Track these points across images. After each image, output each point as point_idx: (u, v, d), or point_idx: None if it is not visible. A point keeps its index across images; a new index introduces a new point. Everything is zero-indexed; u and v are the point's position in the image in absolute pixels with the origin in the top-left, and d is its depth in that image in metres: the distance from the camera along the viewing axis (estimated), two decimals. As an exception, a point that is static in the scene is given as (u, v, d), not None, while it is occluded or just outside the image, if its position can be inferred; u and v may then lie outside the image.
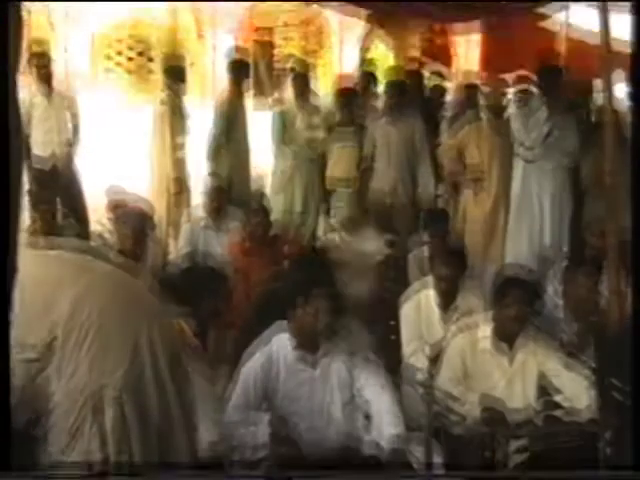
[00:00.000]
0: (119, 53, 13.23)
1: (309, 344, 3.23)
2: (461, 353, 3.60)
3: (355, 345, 3.23)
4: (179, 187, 6.39)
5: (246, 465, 3.08)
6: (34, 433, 1.96)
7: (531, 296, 3.59)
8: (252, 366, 3.24)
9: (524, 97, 6.19)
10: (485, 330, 3.61)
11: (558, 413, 3.47)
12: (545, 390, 3.58)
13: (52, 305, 2.00)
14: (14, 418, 1.72)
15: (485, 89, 6.74)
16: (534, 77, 5.72)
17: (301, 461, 3.00)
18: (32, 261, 1.94)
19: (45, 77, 6.53)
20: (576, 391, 3.42)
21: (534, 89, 5.77)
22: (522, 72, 6.15)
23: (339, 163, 6.47)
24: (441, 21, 11.12)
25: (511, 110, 6.22)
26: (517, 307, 3.51)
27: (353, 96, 6.82)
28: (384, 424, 3.14)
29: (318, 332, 3.17)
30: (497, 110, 6.21)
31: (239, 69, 6.55)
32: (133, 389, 2.01)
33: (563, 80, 5.65)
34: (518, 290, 3.55)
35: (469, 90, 7.68)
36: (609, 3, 4.02)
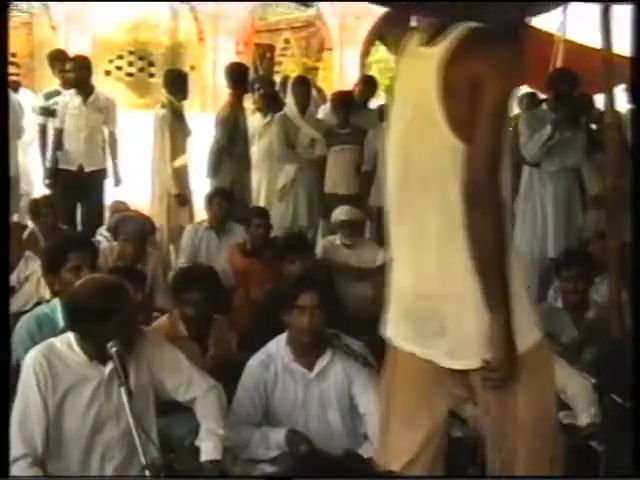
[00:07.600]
0: (120, 57, 13.27)
1: (306, 350, 3.22)
2: None
3: (354, 350, 3.21)
4: (180, 189, 6.37)
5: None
6: None
7: None
8: (252, 364, 3.27)
9: (529, 100, 6.15)
10: None
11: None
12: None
13: None
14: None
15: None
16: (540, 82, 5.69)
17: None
18: None
19: (84, 79, 6.48)
20: (578, 389, 3.40)
21: (538, 92, 5.76)
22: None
23: (338, 167, 6.46)
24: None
25: (516, 112, 6.16)
26: None
27: (351, 99, 6.81)
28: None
29: (315, 338, 3.16)
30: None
31: (238, 74, 6.52)
32: None
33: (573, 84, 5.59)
34: None
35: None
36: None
